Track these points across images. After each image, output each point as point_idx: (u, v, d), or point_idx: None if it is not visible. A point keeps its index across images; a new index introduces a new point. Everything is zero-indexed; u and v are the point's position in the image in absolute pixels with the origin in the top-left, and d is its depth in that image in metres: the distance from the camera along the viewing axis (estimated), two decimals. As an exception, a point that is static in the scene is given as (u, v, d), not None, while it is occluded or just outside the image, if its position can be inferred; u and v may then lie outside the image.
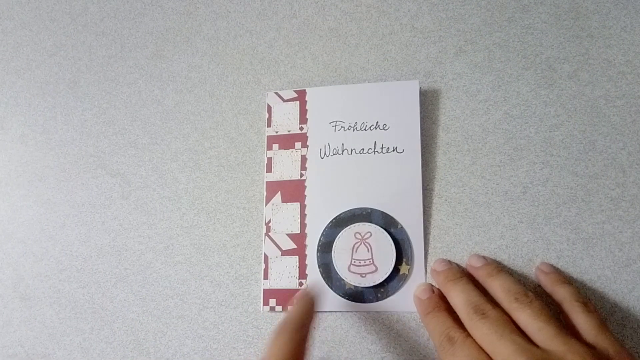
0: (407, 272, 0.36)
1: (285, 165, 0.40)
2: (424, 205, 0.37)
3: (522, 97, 0.39)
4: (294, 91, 0.41)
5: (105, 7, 0.49)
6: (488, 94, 0.40)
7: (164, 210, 0.43)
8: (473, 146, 0.39)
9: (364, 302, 0.36)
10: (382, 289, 0.36)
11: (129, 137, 0.45)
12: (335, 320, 0.38)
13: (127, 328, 0.41)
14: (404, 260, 0.36)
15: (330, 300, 0.37)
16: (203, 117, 0.44)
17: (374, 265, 0.36)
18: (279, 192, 0.39)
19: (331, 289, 0.37)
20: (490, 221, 0.37)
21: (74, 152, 0.46)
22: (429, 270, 0.37)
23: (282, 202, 0.39)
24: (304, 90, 0.41)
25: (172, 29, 0.47)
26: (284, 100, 0.41)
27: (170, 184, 0.43)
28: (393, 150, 0.38)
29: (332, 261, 0.37)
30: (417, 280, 0.36)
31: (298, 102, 0.41)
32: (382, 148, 0.38)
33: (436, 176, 0.39)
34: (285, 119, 0.41)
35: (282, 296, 0.38)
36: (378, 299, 0.36)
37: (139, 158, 0.44)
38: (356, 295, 0.37)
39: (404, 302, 0.36)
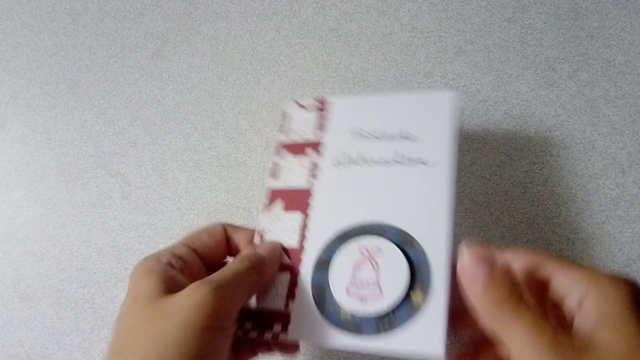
0: (421, 302, 0.28)
1: (293, 172, 0.36)
2: (449, 225, 0.30)
3: (522, 97, 0.39)
4: (315, 100, 0.38)
5: (105, 7, 0.49)
6: (488, 94, 0.40)
7: (164, 210, 0.43)
8: (473, 146, 0.39)
9: (362, 333, 0.28)
10: (387, 320, 0.28)
11: (129, 137, 0.45)
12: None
13: (127, 328, 0.41)
14: (418, 286, 0.28)
15: (320, 330, 0.29)
16: (203, 117, 0.44)
17: (379, 288, 0.29)
18: (281, 200, 0.35)
19: (322, 315, 0.30)
20: (490, 221, 0.37)
21: (74, 152, 0.46)
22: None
23: (284, 210, 0.35)
24: (327, 99, 0.38)
25: (172, 29, 0.47)
26: (304, 109, 0.38)
27: (170, 184, 0.43)
28: (418, 162, 0.33)
29: (327, 280, 0.30)
30: (433, 314, 0.27)
31: (318, 111, 0.38)
32: (405, 159, 0.33)
33: (436, 176, 0.39)
34: (302, 126, 0.38)
35: (263, 320, 0.31)
36: (380, 331, 0.28)
37: (139, 158, 0.44)
38: (352, 326, 0.29)
39: (414, 340, 0.27)
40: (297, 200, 0.35)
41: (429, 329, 0.27)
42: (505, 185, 0.38)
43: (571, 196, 0.37)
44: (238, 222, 0.41)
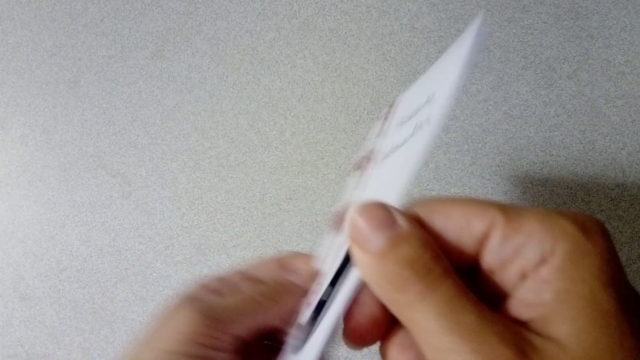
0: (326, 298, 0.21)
1: (346, 190, 0.31)
2: (402, 188, 0.19)
3: (522, 97, 0.39)
4: (390, 105, 0.31)
5: (105, 7, 0.49)
6: (488, 94, 0.40)
7: (164, 210, 0.43)
8: (473, 146, 0.39)
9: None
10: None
11: (129, 137, 0.45)
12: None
13: (127, 328, 0.41)
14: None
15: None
16: (203, 117, 0.44)
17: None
18: (334, 222, 0.30)
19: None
20: (490, 221, 0.37)
21: (74, 152, 0.46)
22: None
23: (332, 231, 0.29)
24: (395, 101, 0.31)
25: (172, 29, 0.47)
26: (377, 121, 0.32)
27: (170, 184, 0.43)
28: (424, 124, 0.22)
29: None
30: (333, 307, 0.20)
31: (385, 116, 0.31)
32: (418, 128, 0.23)
33: (436, 176, 0.39)
34: (368, 139, 0.32)
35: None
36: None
37: (139, 158, 0.44)
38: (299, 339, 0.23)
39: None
40: (339, 218, 0.29)
41: None
42: (505, 185, 0.38)
43: (571, 196, 0.37)
44: (237, 222, 0.41)
